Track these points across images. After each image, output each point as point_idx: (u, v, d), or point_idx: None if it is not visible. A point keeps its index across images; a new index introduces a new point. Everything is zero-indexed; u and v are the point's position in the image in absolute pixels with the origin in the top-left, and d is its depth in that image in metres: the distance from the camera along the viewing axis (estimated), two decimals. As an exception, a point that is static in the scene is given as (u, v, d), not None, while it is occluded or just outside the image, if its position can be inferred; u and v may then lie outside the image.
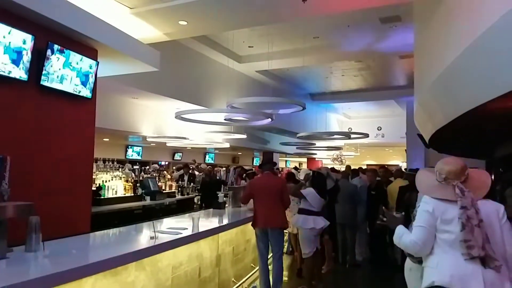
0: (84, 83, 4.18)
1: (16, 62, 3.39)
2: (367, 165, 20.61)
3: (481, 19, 2.44)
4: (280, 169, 14.05)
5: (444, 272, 2.11)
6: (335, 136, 14.73)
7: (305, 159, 24.88)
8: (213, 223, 4.54)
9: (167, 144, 12.66)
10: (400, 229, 2.43)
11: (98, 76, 4.42)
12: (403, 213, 2.84)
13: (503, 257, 2.12)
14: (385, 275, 5.99)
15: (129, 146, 14.38)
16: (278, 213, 4.60)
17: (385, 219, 2.73)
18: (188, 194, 9.22)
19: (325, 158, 23.30)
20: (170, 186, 8.81)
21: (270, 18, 6.63)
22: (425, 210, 2.27)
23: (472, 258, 2.06)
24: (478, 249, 2.05)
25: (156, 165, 10.68)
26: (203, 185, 9.48)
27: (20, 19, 3.50)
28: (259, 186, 4.75)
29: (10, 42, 3.30)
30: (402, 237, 2.36)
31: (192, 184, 9.89)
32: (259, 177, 5.22)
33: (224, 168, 15.26)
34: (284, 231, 5.10)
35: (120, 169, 7.38)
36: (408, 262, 2.77)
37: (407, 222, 2.62)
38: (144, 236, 3.54)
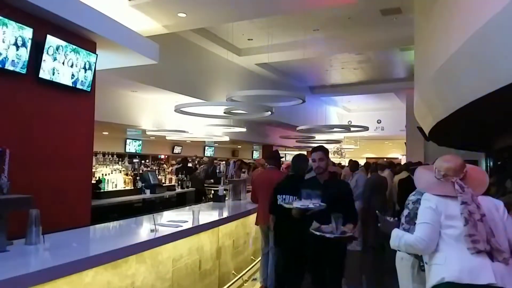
0: (83, 76, 4.15)
1: (14, 55, 3.37)
2: (366, 158, 20.64)
3: (483, 10, 2.42)
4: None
5: (453, 267, 2.08)
6: (335, 129, 14.73)
7: (304, 152, 24.88)
8: (213, 216, 4.52)
9: (167, 138, 12.63)
10: (397, 231, 2.37)
11: (97, 69, 4.40)
12: (396, 218, 2.81)
13: (509, 253, 2.11)
14: (382, 265, 6.03)
15: (128, 140, 14.33)
16: None
17: (379, 224, 2.70)
18: (188, 187, 9.22)
19: (324, 152, 23.23)
20: (170, 180, 8.81)
21: (270, 10, 6.58)
22: (428, 207, 2.23)
23: (479, 252, 2.05)
24: (483, 243, 2.04)
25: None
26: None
27: (18, 12, 3.46)
28: (259, 182, 4.70)
29: (8, 35, 3.28)
30: (403, 237, 2.29)
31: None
32: (260, 172, 5.17)
33: (224, 162, 15.27)
34: None
35: (119, 163, 7.39)
36: (400, 252, 2.74)
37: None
38: (145, 229, 3.54)
